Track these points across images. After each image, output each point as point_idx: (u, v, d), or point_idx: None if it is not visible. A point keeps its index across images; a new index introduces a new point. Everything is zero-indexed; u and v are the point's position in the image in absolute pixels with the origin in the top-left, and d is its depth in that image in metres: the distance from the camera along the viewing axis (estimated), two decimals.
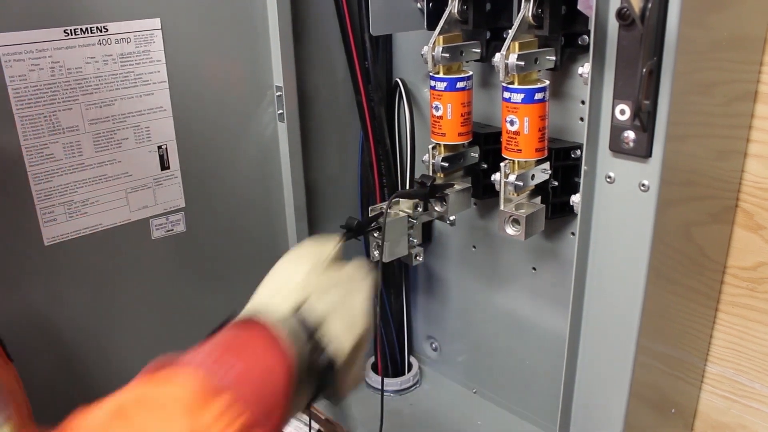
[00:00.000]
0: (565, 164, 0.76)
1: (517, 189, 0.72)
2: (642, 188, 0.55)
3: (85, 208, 0.75)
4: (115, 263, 0.79)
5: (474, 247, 0.94)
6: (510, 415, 0.98)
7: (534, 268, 0.87)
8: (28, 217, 0.72)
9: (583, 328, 0.67)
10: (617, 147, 0.54)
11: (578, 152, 0.76)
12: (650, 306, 0.62)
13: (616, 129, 0.54)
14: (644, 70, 0.50)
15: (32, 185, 0.71)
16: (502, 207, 0.73)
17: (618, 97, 0.53)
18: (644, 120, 0.51)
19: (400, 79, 0.93)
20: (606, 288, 0.63)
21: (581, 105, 0.76)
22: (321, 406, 1.02)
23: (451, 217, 0.94)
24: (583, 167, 0.58)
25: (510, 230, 0.74)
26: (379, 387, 1.04)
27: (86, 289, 0.78)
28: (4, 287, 0.72)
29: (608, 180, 0.57)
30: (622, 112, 0.53)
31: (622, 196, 0.56)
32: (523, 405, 0.96)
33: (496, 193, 0.75)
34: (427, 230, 0.98)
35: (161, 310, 0.85)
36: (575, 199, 0.73)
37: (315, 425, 1.44)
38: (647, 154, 0.53)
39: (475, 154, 0.82)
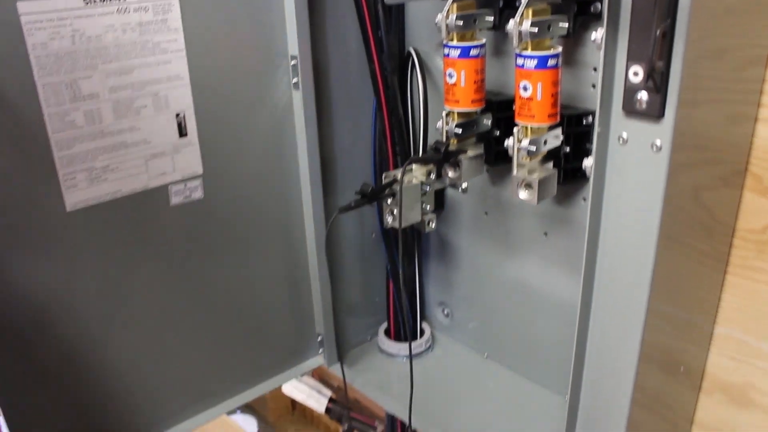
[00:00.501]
0: (577, 130, 0.77)
1: (530, 154, 0.73)
2: (654, 148, 0.56)
3: (105, 174, 0.77)
4: (134, 229, 0.81)
5: (486, 213, 0.95)
6: (522, 379, 1.00)
7: (545, 234, 0.88)
8: (50, 183, 0.73)
9: (595, 291, 0.68)
10: (630, 108, 0.56)
11: (590, 118, 0.77)
12: (661, 268, 0.63)
13: (630, 91, 0.55)
14: (658, 31, 0.51)
15: (54, 152, 0.73)
16: (515, 172, 0.75)
17: (631, 59, 0.54)
18: (657, 81, 0.53)
19: (413, 49, 0.94)
20: (617, 250, 0.65)
21: (593, 72, 0.77)
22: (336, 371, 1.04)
23: (464, 184, 0.96)
24: (597, 129, 0.59)
25: (523, 194, 0.75)
26: (393, 352, 1.07)
27: (107, 255, 0.80)
28: (29, 253, 0.74)
29: (621, 141, 0.58)
30: (636, 73, 0.54)
31: (635, 157, 0.58)
32: (535, 368, 0.98)
33: (508, 160, 0.77)
34: (440, 198, 0.99)
35: (179, 276, 0.87)
36: (587, 162, 0.75)
37: (327, 392, 1.47)
38: (660, 114, 0.54)
39: (487, 121, 0.83)
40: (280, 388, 1.50)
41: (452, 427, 0.93)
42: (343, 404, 1.44)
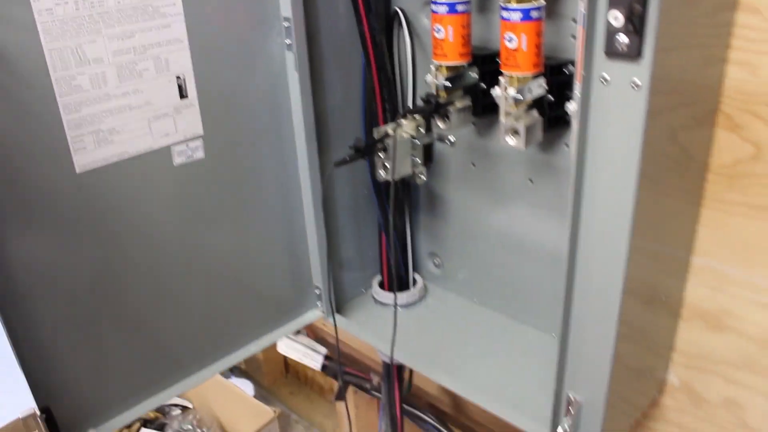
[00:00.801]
0: (559, 79, 0.81)
1: (517, 102, 0.77)
2: (634, 87, 0.60)
3: (112, 136, 0.80)
4: (141, 189, 0.84)
5: (473, 164, 1.00)
6: (512, 321, 1.05)
7: (531, 180, 0.93)
8: (60, 146, 0.76)
9: (581, 231, 0.72)
10: (611, 50, 0.60)
11: (571, 67, 0.81)
12: (641, 206, 0.67)
13: (611, 34, 0.59)
14: None
15: (63, 115, 0.76)
16: (502, 119, 0.79)
17: (612, 4, 0.59)
18: (636, 23, 0.57)
19: (399, 8, 0.97)
20: (600, 190, 0.68)
21: (572, 23, 0.81)
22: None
23: (452, 138, 1.00)
24: (581, 72, 0.63)
25: (510, 141, 0.80)
26: (387, 302, 1.12)
27: (114, 216, 0.83)
28: (40, 215, 0.77)
29: (603, 82, 0.62)
30: (616, 18, 0.59)
31: (616, 96, 0.62)
32: (525, 310, 1.03)
33: (495, 111, 0.81)
34: (428, 151, 1.03)
35: (182, 234, 0.90)
36: (571, 107, 0.79)
37: (322, 350, 1.51)
38: (638, 54, 0.58)
39: (474, 74, 0.87)
40: (275, 352, 1.55)
41: (448, 366, 0.98)
42: (338, 360, 1.48)
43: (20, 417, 0.80)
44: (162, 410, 1.79)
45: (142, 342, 0.91)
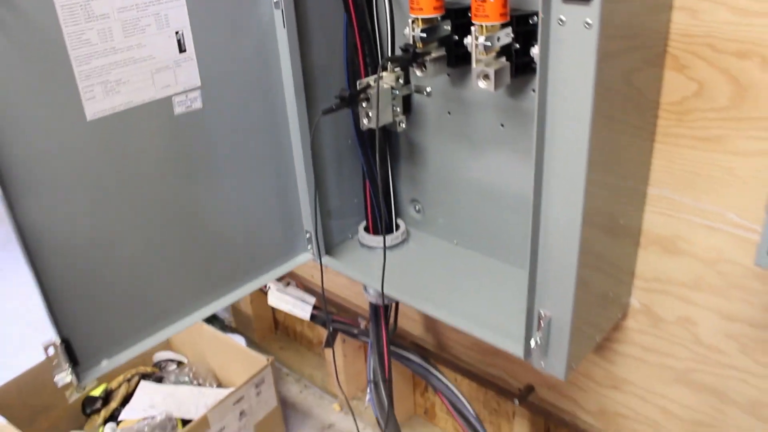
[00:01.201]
0: (524, 29, 0.90)
1: (486, 49, 0.86)
2: (586, 26, 0.69)
3: (118, 87, 0.87)
4: (145, 136, 0.92)
5: (449, 113, 1.08)
6: (489, 258, 1.14)
7: (502, 125, 1.01)
8: (72, 96, 0.84)
9: (545, 169, 0.80)
10: None
11: (535, 18, 0.89)
12: (597, 143, 0.75)
13: None
14: None
15: (74, 67, 0.83)
16: (474, 65, 0.87)
17: None
18: None
19: None
20: (560, 126, 0.76)
21: None
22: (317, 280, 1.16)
23: (428, 88, 1.08)
24: (541, 15, 0.72)
25: (482, 84, 0.88)
26: (372, 245, 1.20)
27: (122, 162, 0.91)
28: (57, 162, 0.85)
29: (560, 23, 0.71)
30: None
31: (572, 35, 0.70)
32: (499, 249, 1.12)
33: (467, 61, 0.89)
34: (407, 102, 1.11)
35: (181, 179, 0.98)
36: (535, 50, 0.88)
37: (311, 300, 1.59)
38: None
39: (447, 26, 0.95)
40: (265, 308, 1.63)
41: (433, 298, 1.07)
42: (324, 306, 1.56)
43: (43, 345, 0.89)
44: (159, 365, 1.87)
45: (147, 281, 0.99)
